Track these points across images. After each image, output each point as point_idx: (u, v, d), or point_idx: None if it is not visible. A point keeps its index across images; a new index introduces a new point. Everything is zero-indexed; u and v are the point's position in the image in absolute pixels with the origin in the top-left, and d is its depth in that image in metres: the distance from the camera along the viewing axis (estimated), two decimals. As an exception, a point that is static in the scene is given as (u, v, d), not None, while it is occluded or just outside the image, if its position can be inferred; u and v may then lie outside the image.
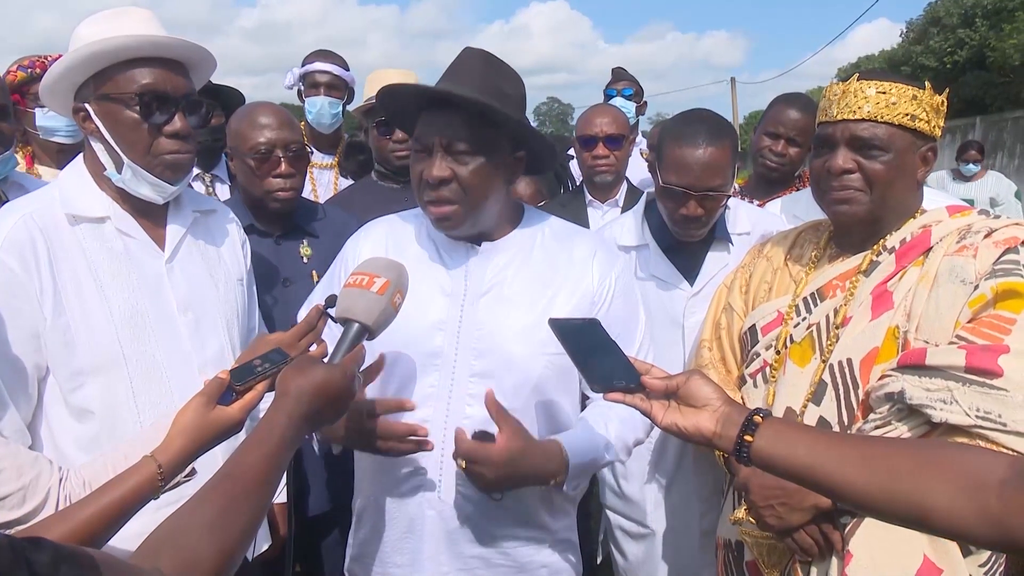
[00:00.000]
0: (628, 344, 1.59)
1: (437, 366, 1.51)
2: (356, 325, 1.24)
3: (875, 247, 1.58)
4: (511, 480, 1.39)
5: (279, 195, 2.16)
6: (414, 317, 1.46)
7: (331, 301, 1.37)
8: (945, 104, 1.56)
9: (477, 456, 1.36)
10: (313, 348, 1.40)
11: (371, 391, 1.56)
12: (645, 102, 4.59)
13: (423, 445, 1.45)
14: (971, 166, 7.29)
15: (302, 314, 1.67)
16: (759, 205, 2.58)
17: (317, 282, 2.19)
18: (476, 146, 1.45)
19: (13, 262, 1.37)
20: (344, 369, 1.17)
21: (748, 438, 1.06)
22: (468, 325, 1.51)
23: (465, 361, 1.50)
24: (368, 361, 1.43)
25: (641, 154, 4.07)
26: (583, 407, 1.65)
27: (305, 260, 2.25)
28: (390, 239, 1.63)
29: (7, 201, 2.01)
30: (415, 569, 1.52)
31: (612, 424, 1.54)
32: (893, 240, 1.56)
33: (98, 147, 1.50)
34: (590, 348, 1.24)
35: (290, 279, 2.22)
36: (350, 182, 3.27)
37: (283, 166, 2.14)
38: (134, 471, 1.13)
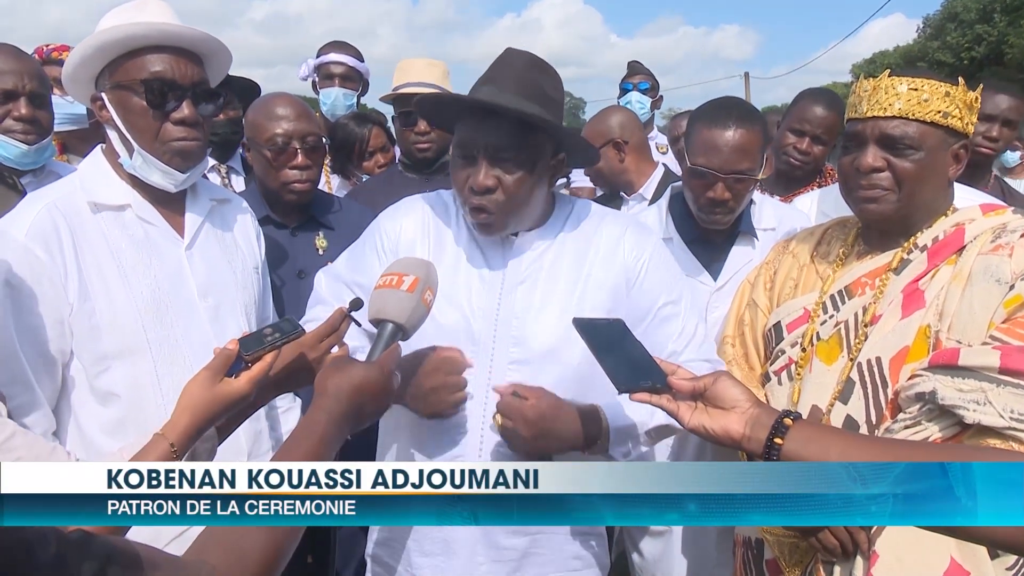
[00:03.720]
0: (671, 321, 1.57)
1: (475, 353, 1.50)
2: (390, 325, 1.24)
3: (906, 245, 1.56)
4: (546, 439, 1.40)
5: (295, 187, 2.16)
6: (451, 303, 1.47)
7: (356, 304, 1.36)
8: (979, 101, 1.54)
9: (510, 410, 1.38)
10: (335, 350, 1.40)
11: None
12: (661, 96, 4.56)
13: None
14: (1009, 155, 6.98)
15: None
16: (781, 201, 2.56)
17: None
18: (521, 153, 1.45)
19: (39, 250, 1.39)
20: (382, 367, 1.17)
21: (778, 441, 1.04)
22: (506, 312, 1.52)
23: (504, 348, 1.51)
24: (405, 351, 1.41)
25: (657, 148, 4.05)
26: None
27: (320, 252, 2.25)
28: (429, 220, 1.62)
29: (25, 193, 2.03)
30: (448, 556, 1.51)
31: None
32: (925, 238, 1.54)
33: (113, 135, 1.53)
34: (615, 348, 1.23)
35: (305, 271, 2.21)
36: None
37: (299, 158, 2.13)
38: (147, 452, 1.14)
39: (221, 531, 0.87)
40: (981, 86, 1.58)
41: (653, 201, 2.81)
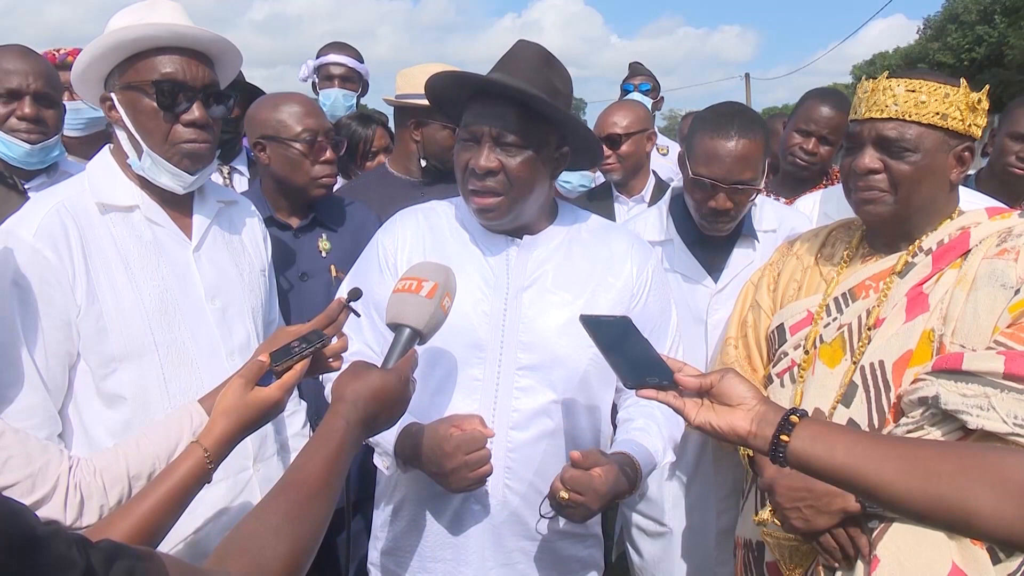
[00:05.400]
0: (661, 339, 1.61)
1: (481, 358, 1.51)
2: (407, 330, 1.24)
3: (911, 248, 1.56)
4: (605, 505, 1.39)
5: (324, 181, 2.19)
6: (457, 309, 1.47)
7: (355, 294, 1.36)
8: (983, 102, 1.53)
9: (579, 484, 1.35)
10: (334, 341, 1.39)
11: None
12: (662, 97, 4.56)
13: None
14: None
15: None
16: (786, 203, 2.55)
17: (336, 276, 2.19)
18: (525, 139, 1.46)
19: (47, 251, 1.39)
20: (399, 373, 1.17)
21: (784, 438, 1.04)
22: (512, 318, 1.52)
23: (511, 354, 1.51)
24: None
25: (658, 150, 4.05)
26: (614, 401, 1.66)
27: (324, 254, 2.24)
28: (428, 229, 1.62)
29: (27, 194, 2.03)
30: (460, 563, 1.52)
31: (661, 424, 1.56)
32: (929, 241, 1.54)
33: (122, 136, 1.52)
34: (622, 345, 1.23)
35: (308, 273, 2.20)
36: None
37: (328, 153, 2.17)
38: (183, 459, 1.15)
39: (241, 540, 0.87)
40: (987, 87, 1.57)
41: (652, 203, 2.82)
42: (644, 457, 1.49)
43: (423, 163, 2.74)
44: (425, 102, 2.62)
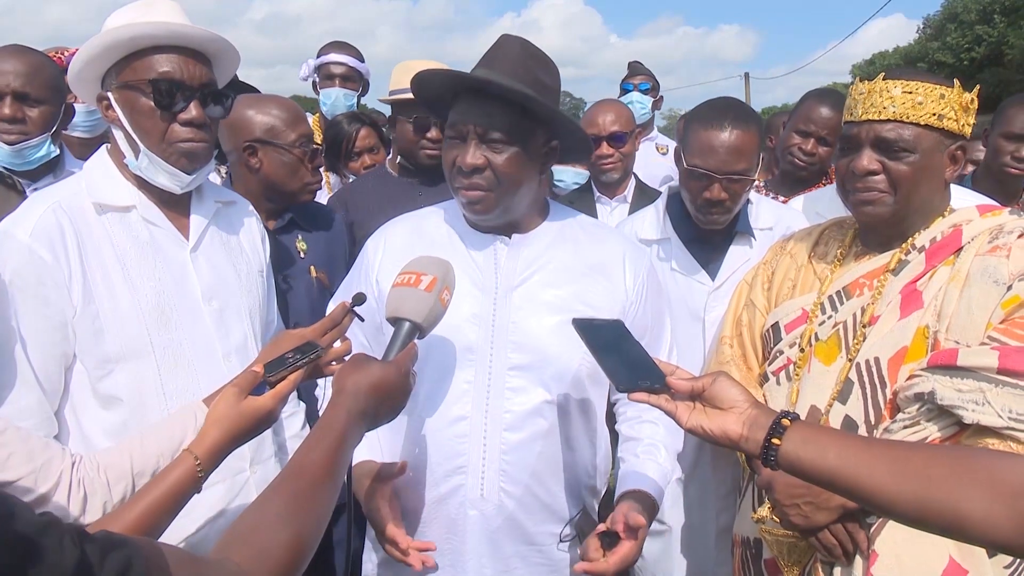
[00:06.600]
0: (656, 348, 1.60)
1: (472, 361, 1.50)
2: (407, 324, 1.25)
3: (904, 246, 1.57)
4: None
5: (314, 187, 2.20)
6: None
7: (359, 299, 1.37)
8: (975, 102, 1.54)
9: (625, 564, 1.38)
10: (337, 345, 1.39)
11: None
12: (661, 96, 4.56)
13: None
14: None
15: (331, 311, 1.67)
16: (784, 202, 2.56)
17: (315, 276, 2.20)
18: (511, 135, 1.45)
19: (43, 251, 1.38)
20: (399, 366, 1.18)
21: (776, 441, 1.04)
22: (502, 319, 1.51)
23: (502, 355, 1.49)
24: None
25: (658, 148, 4.05)
26: (608, 405, 1.65)
27: (302, 255, 2.23)
28: (415, 236, 1.62)
29: (26, 193, 2.03)
30: (457, 570, 1.51)
31: (664, 439, 1.58)
32: (922, 239, 1.55)
33: (119, 135, 1.51)
34: (614, 348, 1.23)
35: (289, 274, 2.18)
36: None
37: (318, 158, 2.18)
38: (173, 467, 1.15)
39: (244, 530, 0.88)
40: (977, 87, 1.59)
41: (633, 207, 2.84)
42: (657, 486, 1.52)
43: (398, 160, 2.73)
44: (408, 96, 2.64)
